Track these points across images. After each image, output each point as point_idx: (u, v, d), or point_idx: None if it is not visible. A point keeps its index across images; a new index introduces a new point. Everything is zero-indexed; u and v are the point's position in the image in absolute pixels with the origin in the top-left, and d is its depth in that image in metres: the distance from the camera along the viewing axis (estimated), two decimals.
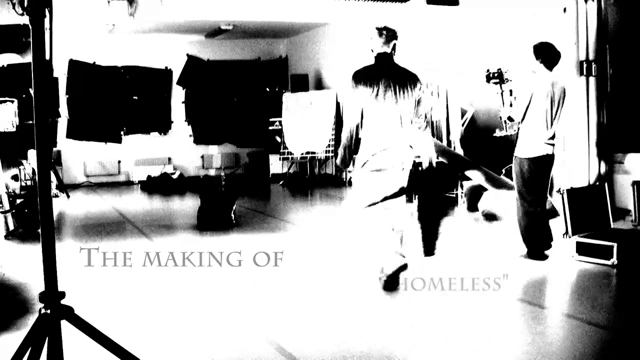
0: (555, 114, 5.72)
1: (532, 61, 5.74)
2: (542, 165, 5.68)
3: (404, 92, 4.94)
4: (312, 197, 11.84)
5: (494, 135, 6.40)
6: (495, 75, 6.25)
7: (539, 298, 4.72)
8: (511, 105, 6.01)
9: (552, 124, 5.69)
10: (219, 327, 4.12)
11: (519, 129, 5.85)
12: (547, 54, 5.67)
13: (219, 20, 12.35)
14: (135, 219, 9.18)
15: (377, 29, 5.09)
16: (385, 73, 5.00)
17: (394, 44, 5.07)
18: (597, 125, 7.54)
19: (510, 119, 5.93)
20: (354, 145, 5.03)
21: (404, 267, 4.95)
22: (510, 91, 6.18)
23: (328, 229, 7.95)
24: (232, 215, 8.09)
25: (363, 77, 5.08)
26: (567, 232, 5.95)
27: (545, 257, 5.74)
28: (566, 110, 5.94)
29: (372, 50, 5.16)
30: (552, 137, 5.69)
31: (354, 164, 5.17)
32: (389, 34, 5.06)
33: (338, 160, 5.28)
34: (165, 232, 7.95)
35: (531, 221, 5.75)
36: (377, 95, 4.95)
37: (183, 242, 7.35)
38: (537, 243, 5.77)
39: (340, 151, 5.16)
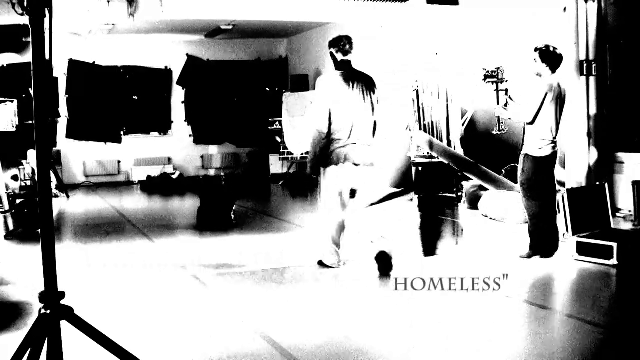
0: (560, 115, 5.86)
1: (537, 64, 5.83)
2: (548, 165, 5.81)
3: (368, 94, 5.50)
4: (312, 197, 11.84)
5: (492, 133, 6.58)
6: (492, 74, 6.41)
7: (539, 298, 4.72)
8: (506, 104, 6.17)
9: (558, 125, 5.83)
10: (218, 325, 4.12)
11: (524, 128, 5.92)
12: (552, 58, 5.79)
13: (219, 20, 12.35)
14: (135, 219, 9.18)
15: (346, 38, 5.52)
16: (352, 77, 5.43)
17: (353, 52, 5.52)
18: (598, 125, 7.54)
19: (498, 119, 6.21)
20: (323, 147, 5.38)
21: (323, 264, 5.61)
22: (506, 90, 6.32)
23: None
24: (232, 216, 8.09)
25: (331, 82, 5.45)
26: (567, 232, 5.94)
27: (551, 255, 5.75)
28: (566, 111, 6.03)
29: (337, 59, 5.53)
30: (555, 137, 5.83)
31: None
32: (352, 43, 5.51)
33: (310, 170, 5.60)
34: (165, 232, 7.94)
35: (539, 219, 5.80)
36: (346, 97, 5.36)
37: (183, 242, 7.35)
38: (544, 241, 5.79)
39: (312, 158, 5.46)
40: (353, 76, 5.47)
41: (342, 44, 5.49)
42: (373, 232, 5.50)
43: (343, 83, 5.40)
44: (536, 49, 5.87)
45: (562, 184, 6.28)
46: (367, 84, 5.55)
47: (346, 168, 5.41)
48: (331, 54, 5.57)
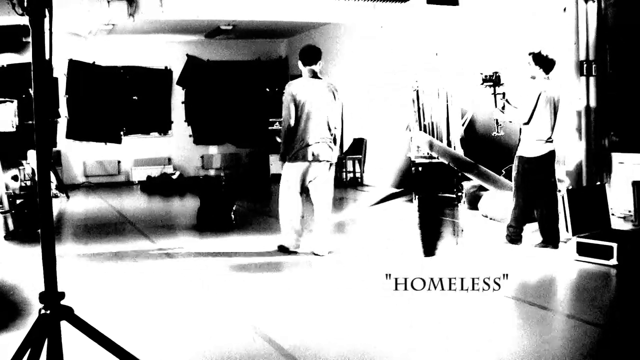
0: (555, 116, 6.15)
1: (531, 67, 6.13)
2: (546, 162, 6.09)
3: (329, 99, 6.25)
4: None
5: (492, 134, 6.87)
6: (490, 77, 6.68)
7: (539, 298, 4.72)
8: (503, 107, 6.45)
9: (554, 125, 6.13)
10: (218, 325, 4.12)
11: (520, 130, 6.14)
12: (544, 61, 6.08)
13: (219, 20, 12.35)
14: (135, 219, 9.18)
15: (310, 51, 6.45)
16: (315, 84, 6.25)
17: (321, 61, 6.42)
18: (597, 126, 7.54)
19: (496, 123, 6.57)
20: (290, 142, 6.19)
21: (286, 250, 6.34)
22: (503, 94, 6.53)
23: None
24: (232, 216, 8.08)
25: (299, 87, 6.22)
26: (567, 232, 5.95)
27: (556, 246, 6.09)
28: (562, 111, 6.09)
29: (305, 67, 6.35)
30: (551, 136, 6.12)
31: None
32: (315, 56, 6.43)
33: (280, 158, 6.40)
34: (165, 232, 7.94)
35: (546, 216, 6.13)
36: (311, 100, 6.13)
37: (183, 242, 7.35)
38: (551, 234, 6.13)
39: (282, 147, 6.27)
40: (316, 83, 6.24)
41: (305, 56, 6.36)
42: (318, 215, 6.37)
43: (307, 89, 6.17)
44: (530, 53, 6.17)
45: (561, 182, 6.41)
46: (328, 90, 6.28)
47: (308, 163, 6.19)
48: (299, 63, 6.36)
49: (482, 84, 6.80)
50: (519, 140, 6.25)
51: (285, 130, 6.16)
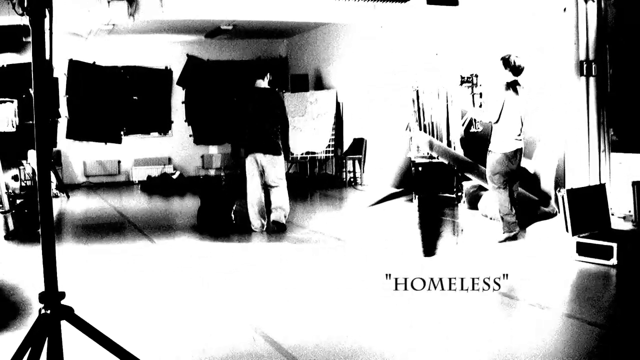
0: (524, 115, 6.71)
1: (501, 71, 6.74)
2: (515, 158, 6.63)
3: (273, 105, 7.90)
4: (312, 198, 11.84)
5: (470, 131, 7.80)
6: (468, 79, 7.45)
7: (539, 298, 4.72)
8: (480, 106, 7.15)
9: (522, 123, 6.69)
10: (218, 324, 4.12)
11: (491, 127, 6.77)
12: (512, 66, 6.66)
13: (219, 20, 12.34)
14: (135, 219, 9.18)
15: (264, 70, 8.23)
16: (263, 94, 8.02)
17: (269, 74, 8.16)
18: (597, 125, 7.54)
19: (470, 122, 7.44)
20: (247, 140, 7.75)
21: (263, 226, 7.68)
22: (480, 94, 7.29)
23: (328, 229, 7.95)
24: (232, 216, 8.09)
25: (251, 96, 8.00)
26: (567, 232, 5.95)
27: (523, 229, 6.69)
28: (565, 111, 6.17)
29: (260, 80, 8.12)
30: (520, 134, 6.67)
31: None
32: (264, 74, 8.26)
33: (242, 154, 7.82)
34: (166, 232, 7.95)
35: (511, 204, 6.65)
36: (258, 107, 7.83)
37: (183, 242, 7.36)
38: (515, 220, 6.65)
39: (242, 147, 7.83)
40: (263, 93, 8.02)
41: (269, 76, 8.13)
42: (274, 203, 7.78)
43: (258, 98, 7.95)
44: (501, 58, 6.77)
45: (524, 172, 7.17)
46: (273, 98, 8.02)
47: (259, 156, 7.63)
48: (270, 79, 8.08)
49: (461, 84, 7.49)
50: (489, 137, 6.81)
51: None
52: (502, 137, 6.62)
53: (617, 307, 4.66)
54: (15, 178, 12.13)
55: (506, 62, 6.70)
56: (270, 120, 7.74)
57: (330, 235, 7.50)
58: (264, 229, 7.65)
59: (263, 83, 8.09)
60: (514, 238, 6.61)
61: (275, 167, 7.73)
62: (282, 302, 4.71)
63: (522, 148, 6.74)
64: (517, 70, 6.68)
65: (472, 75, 7.52)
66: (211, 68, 15.48)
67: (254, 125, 7.68)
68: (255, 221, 7.66)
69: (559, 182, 7.34)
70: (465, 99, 7.61)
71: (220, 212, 8.04)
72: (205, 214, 8.11)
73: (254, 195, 7.68)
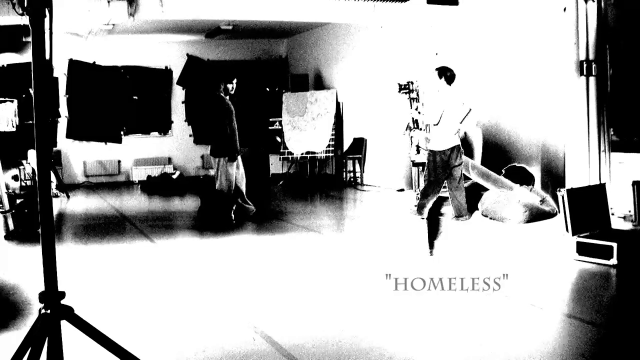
0: (459, 116, 7.56)
1: (436, 80, 7.69)
2: (453, 154, 7.59)
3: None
4: (312, 198, 11.84)
5: (403, 134, 8.98)
6: (405, 86, 8.77)
7: (539, 298, 4.72)
8: (417, 109, 8.46)
9: (459, 125, 7.62)
10: (218, 324, 4.12)
11: (430, 129, 7.83)
12: (446, 75, 7.63)
13: (219, 20, 12.34)
14: (135, 219, 9.19)
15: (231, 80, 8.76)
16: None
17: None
18: (597, 125, 7.54)
19: (415, 121, 8.47)
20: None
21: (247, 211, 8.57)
22: (417, 98, 8.65)
23: (328, 229, 7.95)
24: (232, 215, 8.09)
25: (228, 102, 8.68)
26: (567, 232, 5.95)
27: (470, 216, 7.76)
28: (564, 111, 6.18)
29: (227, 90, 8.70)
30: (457, 132, 7.66)
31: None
32: (232, 84, 8.78)
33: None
34: (166, 232, 7.95)
35: (454, 191, 7.72)
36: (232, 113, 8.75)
37: (183, 242, 7.36)
38: (460, 208, 7.69)
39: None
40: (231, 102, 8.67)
41: (226, 85, 8.63)
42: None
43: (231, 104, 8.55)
44: (436, 69, 7.73)
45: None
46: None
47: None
48: (224, 87, 8.58)
49: (399, 91, 8.77)
50: (428, 137, 8.01)
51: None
52: (441, 137, 7.59)
53: (617, 307, 4.66)
54: (15, 178, 12.13)
55: (441, 71, 7.65)
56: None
57: (330, 236, 7.50)
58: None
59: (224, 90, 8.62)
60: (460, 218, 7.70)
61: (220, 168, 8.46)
62: (282, 302, 4.71)
63: (459, 145, 7.66)
64: (451, 79, 7.64)
65: (408, 82, 8.73)
66: (211, 68, 15.48)
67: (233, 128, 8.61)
68: (249, 206, 8.63)
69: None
70: (404, 104, 8.85)
71: (220, 212, 8.04)
72: (205, 214, 8.11)
73: (240, 186, 8.60)
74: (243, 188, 8.58)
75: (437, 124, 7.56)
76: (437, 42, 10.25)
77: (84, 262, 6.27)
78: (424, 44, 10.61)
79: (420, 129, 8.35)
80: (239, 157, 8.57)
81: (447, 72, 7.64)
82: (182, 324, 4.19)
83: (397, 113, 10.97)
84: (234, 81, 8.68)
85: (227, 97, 8.58)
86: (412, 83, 8.69)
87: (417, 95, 8.69)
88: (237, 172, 8.48)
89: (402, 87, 8.71)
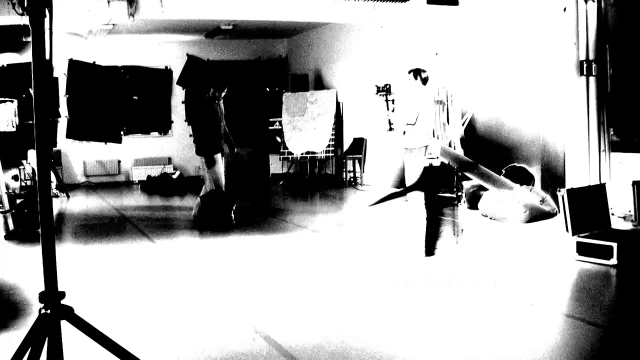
0: (435, 116, 8.25)
1: (412, 81, 8.20)
2: (425, 150, 8.08)
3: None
4: (312, 198, 11.84)
5: (386, 131, 9.19)
6: (383, 89, 9.01)
7: (539, 298, 4.72)
8: (393, 110, 8.80)
9: (435, 124, 8.25)
10: (218, 324, 4.12)
11: (407, 128, 8.21)
12: (421, 76, 8.14)
13: (219, 20, 12.34)
14: (135, 219, 9.19)
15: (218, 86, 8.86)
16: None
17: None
18: (597, 125, 7.54)
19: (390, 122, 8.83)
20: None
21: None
22: (393, 100, 8.92)
23: (328, 229, 7.95)
24: (232, 215, 8.09)
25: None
26: (567, 232, 5.95)
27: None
28: (563, 111, 6.23)
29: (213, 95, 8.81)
30: (430, 133, 8.16)
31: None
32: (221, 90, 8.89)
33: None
34: (165, 232, 7.95)
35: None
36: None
37: (183, 242, 7.36)
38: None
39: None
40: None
41: (212, 90, 8.72)
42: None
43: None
44: (410, 71, 8.25)
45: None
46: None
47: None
48: (212, 92, 8.69)
49: (377, 93, 9.04)
50: (404, 135, 8.39)
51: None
52: (417, 135, 8.15)
53: (617, 307, 4.66)
54: (15, 178, 12.12)
55: (416, 73, 8.18)
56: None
57: (330, 236, 7.51)
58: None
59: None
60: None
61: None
62: (282, 302, 4.71)
63: (429, 145, 8.21)
64: (425, 80, 8.18)
65: (386, 85, 9.02)
66: (211, 68, 15.48)
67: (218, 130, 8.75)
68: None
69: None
70: (381, 105, 9.27)
71: (220, 212, 8.04)
72: (206, 214, 8.12)
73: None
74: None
75: (414, 124, 8.14)
76: (437, 42, 10.25)
77: (84, 262, 6.27)
78: (424, 44, 10.60)
79: (393, 130, 8.82)
80: (219, 157, 8.56)
81: (422, 73, 8.18)
82: (182, 324, 4.19)
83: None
84: (225, 90, 8.86)
85: (216, 101, 8.76)
86: (389, 85, 9.17)
87: (390, 97, 9.19)
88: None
89: (380, 89, 9.14)
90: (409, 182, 8.37)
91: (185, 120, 15.55)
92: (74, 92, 14.36)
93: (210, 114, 8.65)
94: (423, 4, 9.12)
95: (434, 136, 8.38)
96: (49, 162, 2.51)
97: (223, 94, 8.80)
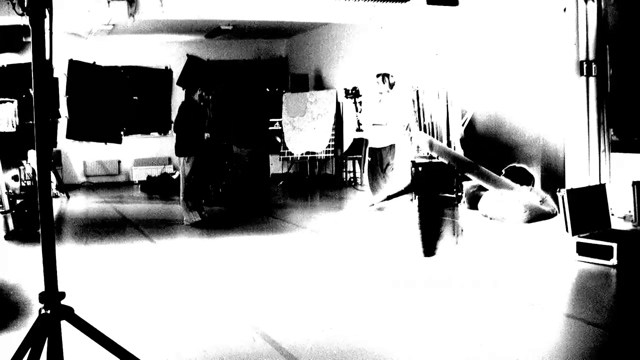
0: (399, 117, 8.73)
1: (380, 84, 8.87)
2: (392, 149, 8.85)
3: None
4: (312, 198, 11.84)
5: (356, 131, 10.31)
6: (351, 91, 10.04)
7: (539, 298, 4.72)
8: (361, 112, 9.70)
9: (400, 123, 8.75)
10: (218, 324, 4.12)
11: (374, 128, 8.92)
12: (390, 81, 8.84)
13: (219, 20, 12.33)
14: (135, 219, 9.19)
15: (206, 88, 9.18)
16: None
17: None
18: (597, 125, 7.54)
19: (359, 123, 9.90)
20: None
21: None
22: (361, 102, 9.81)
23: (328, 229, 7.95)
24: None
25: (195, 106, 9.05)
26: (567, 232, 5.95)
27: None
28: (563, 111, 6.26)
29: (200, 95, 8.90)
30: (397, 132, 8.72)
31: None
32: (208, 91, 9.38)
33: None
34: (166, 232, 7.95)
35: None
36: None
37: (183, 242, 7.36)
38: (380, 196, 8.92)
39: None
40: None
41: (202, 93, 8.77)
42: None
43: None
44: (378, 75, 8.90)
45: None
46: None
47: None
48: (200, 93, 8.74)
49: (346, 96, 10.05)
50: (369, 136, 9.07)
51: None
52: (384, 135, 8.73)
53: (617, 307, 4.66)
54: (15, 178, 12.11)
55: (384, 77, 8.81)
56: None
57: (330, 236, 7.51)
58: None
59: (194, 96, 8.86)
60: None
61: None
62: (282, 302, 4.71)
63: (395, 144, 8.85)
64: (392, 85, 8.80)
65: (354, 88, 9.89)
66: (211, 68, 15.47)
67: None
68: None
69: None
70: (350, 107, 10.01)
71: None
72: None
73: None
74: (182, 188, 8.53)
75: (382, 125, 8.81)
76: (437, 42, 10.25)
77: (84, 262, 6.27)
78: (424, 44, 10.60)
79: (362, 130, 9.40)
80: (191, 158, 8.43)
81: (390, 77, 8.84)
82: (182, 324, 4.19)
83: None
84: (213, 93, 9.24)
85: (202, 103, 8.85)
86: (358, 89, 9.94)
87: (359, 100, 9.94)
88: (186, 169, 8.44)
89: (348, 92, 9.85)
90: (373, 176, 9.06)
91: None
92: (74, 92, 14.35)
93: (191, 116, 8.59)
94: (423, 4, 9.11)
95: (409, 132, 9.02)
96: (49, 163, 2.51)
97: (210, 97, 9.07)
